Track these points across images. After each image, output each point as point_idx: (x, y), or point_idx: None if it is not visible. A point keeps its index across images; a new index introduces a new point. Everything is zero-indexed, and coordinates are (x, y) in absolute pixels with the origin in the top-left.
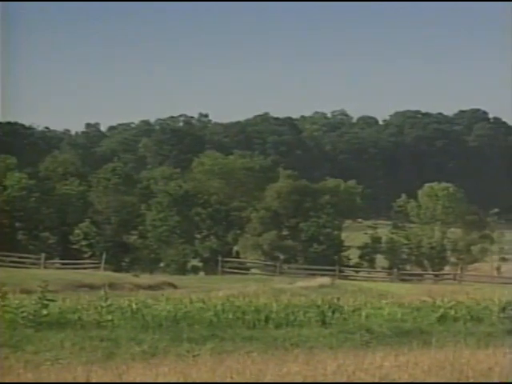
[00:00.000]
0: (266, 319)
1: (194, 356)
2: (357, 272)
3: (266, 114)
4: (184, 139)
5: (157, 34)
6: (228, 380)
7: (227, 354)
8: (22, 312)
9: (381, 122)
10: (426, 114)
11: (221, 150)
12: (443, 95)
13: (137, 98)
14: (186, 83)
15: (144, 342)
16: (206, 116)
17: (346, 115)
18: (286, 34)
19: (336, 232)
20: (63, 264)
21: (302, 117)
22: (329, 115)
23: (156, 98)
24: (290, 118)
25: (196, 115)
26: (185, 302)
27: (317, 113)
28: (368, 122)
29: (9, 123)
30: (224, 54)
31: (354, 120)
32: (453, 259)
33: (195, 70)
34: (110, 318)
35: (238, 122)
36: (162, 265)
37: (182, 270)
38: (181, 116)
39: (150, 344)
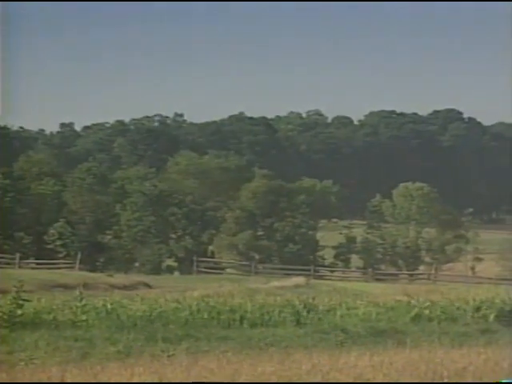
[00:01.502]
0: (241, 319)
1: (168, 356)
2: (332, 272)
3: (241, 113)
4: (159, 139)
5: (132, 34)
6: (203, 380)
7: (202, 354)
8: None
9: (356, 122)
10: (401, 114)
11: (196, 149)
12: (418, 95)
13: (112, 98)
14: (161, 83)
15: (119, 341)
16: (181, 116)
17: (321, 115)
18: (260, 34)
19: (311, 232)
20: (38, 264)
21: (277, 117)
22: (304, 115)
23: (131, 98)
24: (264, 118)
25: (171, 115)
26: (160, 301)
27: (292, 113)
28: (343, 121)
29: None
30: (199, 54)
31: (329, 120)
32: (427, 259)
33: (170, 70)
34: (84, 318)
35: (213, 122)
36: (136, 265)
37: (157, 270)
38: (156, 116)
39: (124, 344)
